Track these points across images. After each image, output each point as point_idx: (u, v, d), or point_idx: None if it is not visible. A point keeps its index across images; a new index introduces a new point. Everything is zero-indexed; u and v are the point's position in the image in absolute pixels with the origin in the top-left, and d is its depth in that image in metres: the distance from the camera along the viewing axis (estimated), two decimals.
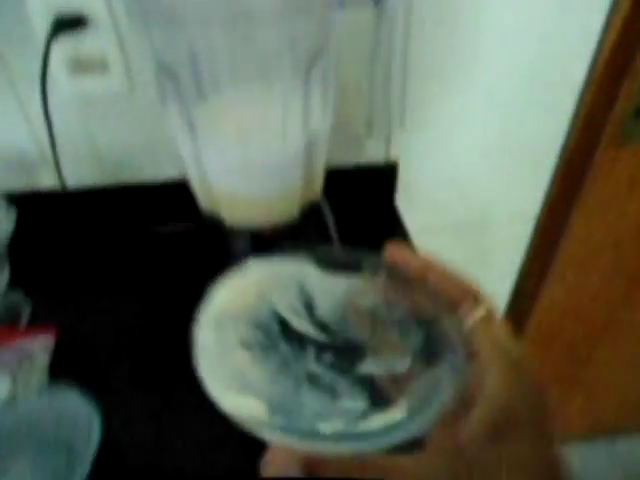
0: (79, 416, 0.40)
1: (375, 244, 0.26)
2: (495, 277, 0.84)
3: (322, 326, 0.25)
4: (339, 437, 0.20)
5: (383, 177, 0.66)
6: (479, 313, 0.22)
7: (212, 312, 0.25)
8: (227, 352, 0.24)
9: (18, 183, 0.60)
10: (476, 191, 0.73)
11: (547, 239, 0.80)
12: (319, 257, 0.27)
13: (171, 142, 0.42)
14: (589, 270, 0.86)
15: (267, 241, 0.40)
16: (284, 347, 0.24)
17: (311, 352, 0.24)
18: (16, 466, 0.41)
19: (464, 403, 0.21)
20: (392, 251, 0.24)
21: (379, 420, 0.21)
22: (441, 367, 0.22)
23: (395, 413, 0.21)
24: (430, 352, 0.23)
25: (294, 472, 0.20)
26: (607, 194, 0.76)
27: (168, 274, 0.58)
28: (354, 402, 0.22)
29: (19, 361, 0.48)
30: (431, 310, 0.24)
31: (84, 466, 0.38)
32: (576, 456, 1.26)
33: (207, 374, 0.22)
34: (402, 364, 0.23)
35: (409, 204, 0.69)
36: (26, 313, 0.55)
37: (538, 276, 0.86)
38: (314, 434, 0.20)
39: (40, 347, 0.50)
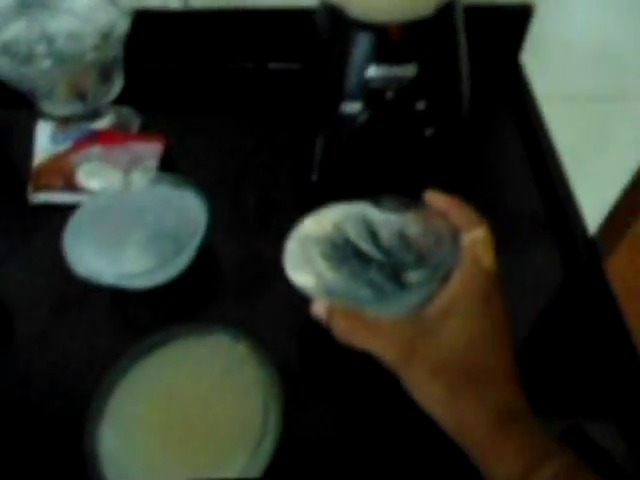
0: (188, 208, 0.42)
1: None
2: (613, 162, 0.76)
3: (382, 249, 0.36)
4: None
5: (513, 20, 0.58)
6: (474, 235, 0.33)
7: (299, 234, 0.37)
8: (309, 259, 0.35)
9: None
10: (615, 60, 0.63)
11: None
12: (378, 203, 0.38)
13: None
14: None
15: (393, 43, 0.36)
16: (353, 261, 0.36)
17: (373, 267, 0.35)
18: (129, 249, 0.44)
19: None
20: (430, 196, 0.36)
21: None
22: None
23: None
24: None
25: (322, 312, 0.32)
26: None
27: (279, 107, 0.56)
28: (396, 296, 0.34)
29: (130, 161, 0.50)
30: (447, 232, 0.34)
31: (188, 255, 0.40)
32: None
33: (291, 268, 0.35)
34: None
35: (536, 62, 0.61)
36: (136, 125, 0.57)
37: None
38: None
39: (150, 152, 0.52)
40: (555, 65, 0.63)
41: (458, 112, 0.41)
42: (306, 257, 0.36)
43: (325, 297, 0.33)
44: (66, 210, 0.47)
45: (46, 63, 0.44)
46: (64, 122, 0.53)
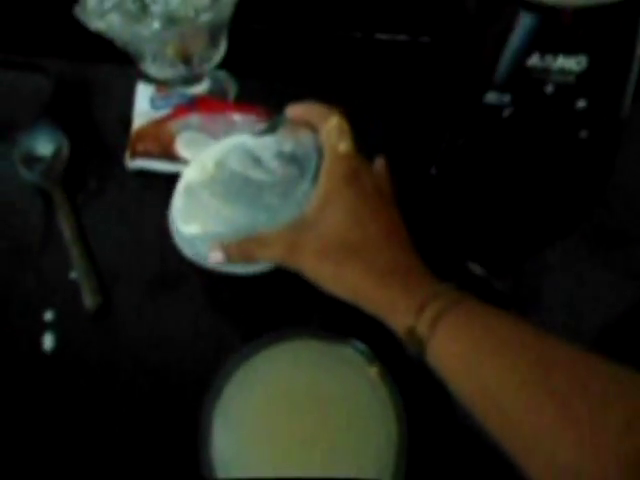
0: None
1: None
2: None
3: (268, 171, 0.39)
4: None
5: None
6: (327, 126, 0.36)
7: (182, 187, 0.39)
8: (202, 206, 0.38)
9: None
10: None
11: None
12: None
13: None
14: None
15: (563, 29, 0.31)
16: (247, 191, 0.38)
17: (266, 190, 0.38)
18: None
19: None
20: (289, 110, 0.39)
21: None
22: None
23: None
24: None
25: (219, 255, 0.36)
26: None
27: (394, 85, 0.52)
28: (291, 211, 0.37)
29: (227, 131, 0.48)
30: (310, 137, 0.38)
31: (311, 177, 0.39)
32: None
33: (182, 223, 0.38)
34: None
35: None
36: (232, 91, 0.54)
37: None
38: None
39: (248, 124, 0.49)
40: None
41: (618, 114, 0.35)
42: (197, 206, 0.38)
43: (224, 239, 0.36)
44: (164, 178, 0.46)
45: (157, 23, 0.41)
46: (162, 86, 0.50)
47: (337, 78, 0.55)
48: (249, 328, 0.39)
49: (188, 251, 0.39)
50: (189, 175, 0.40)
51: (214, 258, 0.36)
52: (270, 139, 0.40)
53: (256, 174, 0.39)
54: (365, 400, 0.30)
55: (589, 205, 0.41)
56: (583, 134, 0.34)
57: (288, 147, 0.40)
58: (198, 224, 0.38)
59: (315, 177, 0.36)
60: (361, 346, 0.32)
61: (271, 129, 0.40)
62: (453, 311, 0.27)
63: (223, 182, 0.38)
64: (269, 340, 0.33)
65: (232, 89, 0.54)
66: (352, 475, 0.27)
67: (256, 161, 0.39)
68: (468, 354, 0.26)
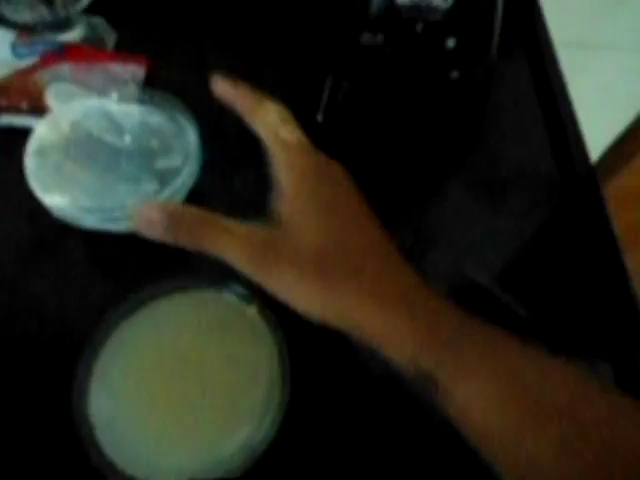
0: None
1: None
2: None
3: (127, 139, 0.37)
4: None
5: None
6: (267, 113, 0.29)
7: (35, 146, 0.36)
8: (56, 169, 0.35)
9: None
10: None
11: None
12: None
13: None
14: None
15: None
16: (102, 156, 0.36)
17: (123, 157, 0.37)
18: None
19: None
20: (218, 85, 0.30)
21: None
22: None
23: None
24: None
25: (162, 227, 0.25)
26: None
27: (281, 29, 0.50)
28: (151, 186, 0.36)
29: (105, 83, 0.44)
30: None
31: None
32: None
33: (40, 190, 0.34)
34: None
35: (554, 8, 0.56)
36: (110, 41, 0.50)
37: None
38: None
39: (129, 75, 0.46)
40: (572, 12, 0.59)
41: (487, 54, 0.37)
42: (52, 169, 0.35)
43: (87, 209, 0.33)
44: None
45: None
46: (26, 31, 0.45)
47: (220, 27, 0.52)
48: (130, 285, 0.38)
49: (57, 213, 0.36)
50: (41, 134, 0.37)
51: (143, 224, 0.25)
52: (136, 108, 0.39)
53: (111, 139, 0.37)
54: (245, 342, 0.30)
55: (465, 147, 0.43)
56: (454, 74, 0.35)
57: (154, 120, 0.39)
58: (56, 191, 0.35)
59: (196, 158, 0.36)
60: (238, 288, 0.31)
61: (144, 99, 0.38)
62: (466, 343, 0.23)
63: (78, 144, 0.37)
64: (146, 295, 0.31)
65: (110, 39, 0.50)
66: (242, 425, 0.28)
67: (115, 127, 0.38)
68: (499, 418, 0.22)
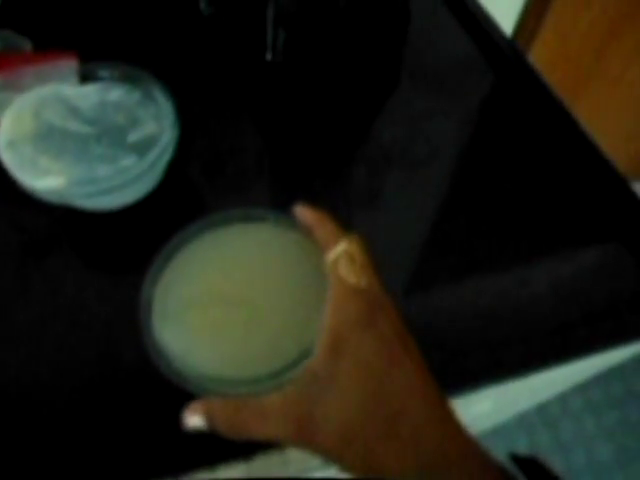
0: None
1: None
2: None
3: (89, 121, 0.38)
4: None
5: None
6: (335, 252, 0.28)
7: (4, 142, 0.35)
8: (32, 161, 0.35)
9: None
10: None
11: None
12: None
13: None
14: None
15: None
16: (69, 144, 0.36)
17: (91, 141, 0.37)
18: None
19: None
20: (298, 211, 0.30)
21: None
22: None
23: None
24: None
25: (199, 425, 0.26)
26: None
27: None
28: (130, 160, 0.37)
29: (41, 83, 0.43)
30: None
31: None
32: None
33: (28, 178, 0.34)
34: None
35: None
36: (28, 48, 0.49)
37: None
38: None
39: (64, 71, 0.45)
40: None
41: None
42: (28, 162, 0.35)
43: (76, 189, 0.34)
44: None
45: None
46: None
47: None
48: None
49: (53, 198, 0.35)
50: (6, 128, 0.37)
51: (192, 421, 0.26)
52: (91, 87, 0.39)
53: (75, 126, 0.37)
54: (301, 268, 0.30)
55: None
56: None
57: (113, 95, 0.39)
58: (40, 176, 0.35)
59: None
60: (282, 216, 0.31)
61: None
62: None
63: (44, 137, 0.36)
64: (197, 227, 0.31)
65: (27, 46, 0.49)
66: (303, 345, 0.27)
67: (73, 111, 0.38)
68: None
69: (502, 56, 0.50)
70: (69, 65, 0.45)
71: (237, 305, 0.29)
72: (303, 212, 0.30)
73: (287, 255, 0.31)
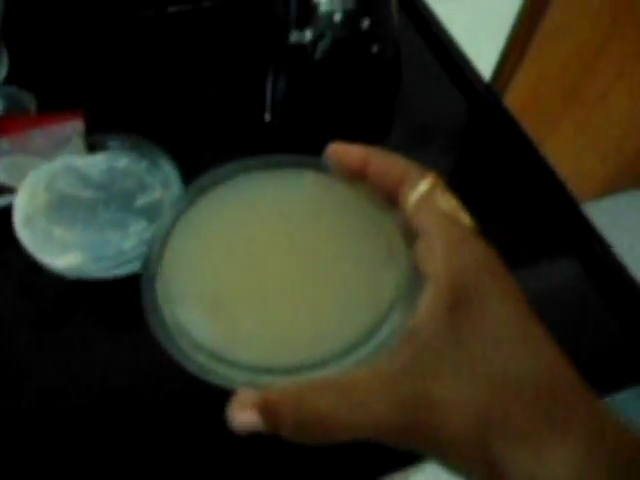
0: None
1: None
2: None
3: (98, 187, 0.39)
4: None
5: None
6: (422, 188, 0.21)
7: (21, 217, 0.37)
8: (48, 234, 0.36)
9: None
10: None
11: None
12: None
13: None
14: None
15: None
16: (79, 212, 0.38)
17: (100, 207, 0.38)
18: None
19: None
20: (334, 148, 0.23)
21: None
22: None
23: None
24: None
25: (255, 423, 0.18)
26: None
27: (214, 49, 0.53)
28: (139, 225, 0.38)
29: (51, 145, 0.45)
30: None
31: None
32: None
33: (46, 255, 0.35)
34: None
35: None
36: (33, 106, 0.50)
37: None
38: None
39: (70, 130, 0.47)
40: None
41: (392, 28, 0.43)
42: (42, 236, 0.36)
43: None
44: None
45: None
46: None
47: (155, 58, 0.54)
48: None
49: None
50: (22, 204, 0.38)
51: (243, 419, 0.18)
52: (100, 156, 0.41)
53: (85, 193, 0.39)
54: (355, 219, 0.23)
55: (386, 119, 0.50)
56: (375, 49, 0.41)
57: (122, 163, 0.41)
58: (57, 253, 0.36)
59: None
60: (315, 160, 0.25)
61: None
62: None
63: (55, 207, 0.38)
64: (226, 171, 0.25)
65: (32, 102, 0.50)
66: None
67: (83, 179, 0.40)
68: None
69: (482, 101, 0.53)
70: (75, 125, 0.47)
71: (283, 268, 0.22)
72: (344, 150, 0.23)
73: (334, 205, 0.24)
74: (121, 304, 0.41)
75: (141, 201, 0.40)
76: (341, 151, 0.23)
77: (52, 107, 0.50)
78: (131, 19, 0.55)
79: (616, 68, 1.03)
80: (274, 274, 0.22)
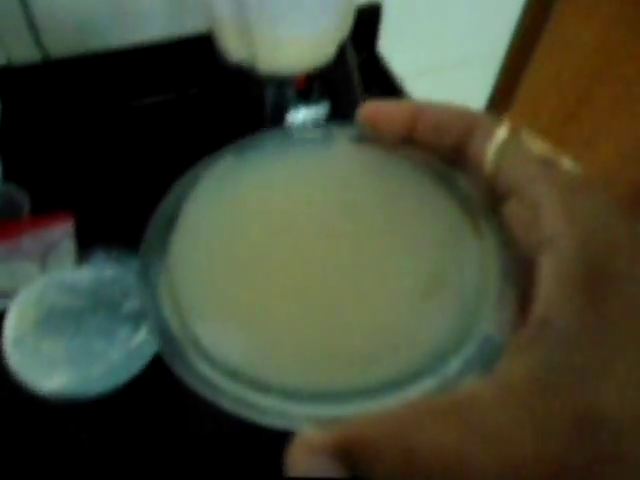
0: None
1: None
2: None
3: (85, 295, 0.40)
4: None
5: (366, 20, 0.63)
6: (501, 134, 0.16)
7: (12, 341, 0.38)
8: (31, 353, 0.37)
9: None
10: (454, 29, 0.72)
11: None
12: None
13: None
14: None
15: (300, 91, 0.39)
16: (66, 323, 0.38)
17: (86, 315, 0.39)
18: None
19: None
20: (370, 108, 0.18)
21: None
22: None
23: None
24: None
25: (329, 469, 0.13)
26: None
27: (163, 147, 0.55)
28: (125, 330, 0.39)
29: (41, 249, 0.47)
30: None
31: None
32: None
33: (37, 377, 0.36)
34: None
35: (395, 47, 0.67)
36: (26, 203, 0.52)
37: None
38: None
39: (60, 234, 0.49)
40: (407, 47, 0.71)
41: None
42: (32, 356, 0.37)
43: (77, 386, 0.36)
44: None
45: None
46: None
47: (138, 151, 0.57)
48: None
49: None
50: (12, 326, 0.39)
51: (310, 465, 0.12)
52: (87, 270, 0.43)
53: (73, 302, 0.40)
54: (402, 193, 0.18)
55: None
56: None
57: (109, 272, 0.42)
58: (47, 374, 0.37)
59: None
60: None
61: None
62: None
63: (43, 321, 0.39)
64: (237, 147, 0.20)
65: (25, 200, 0.52)
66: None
67: (72, 290, 0.41)
68: None
69: None
70: (65, 228, 0.49)
71: (327, 263, 0.17)
72: (389, 108, 0.17)
73: (383, 183, 0.19)
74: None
75: (127, 307, 0.41)
76: (381, 110, 0.18)
77: (45, 203, 0.52)
78: (123, 110, 0.57)
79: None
80: (316, 271, 0.17)
